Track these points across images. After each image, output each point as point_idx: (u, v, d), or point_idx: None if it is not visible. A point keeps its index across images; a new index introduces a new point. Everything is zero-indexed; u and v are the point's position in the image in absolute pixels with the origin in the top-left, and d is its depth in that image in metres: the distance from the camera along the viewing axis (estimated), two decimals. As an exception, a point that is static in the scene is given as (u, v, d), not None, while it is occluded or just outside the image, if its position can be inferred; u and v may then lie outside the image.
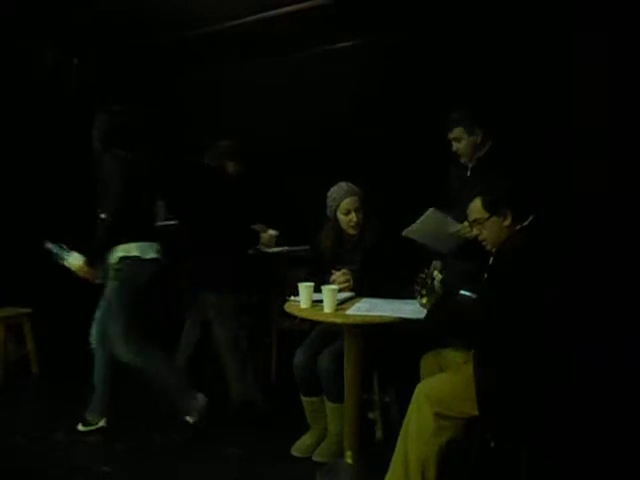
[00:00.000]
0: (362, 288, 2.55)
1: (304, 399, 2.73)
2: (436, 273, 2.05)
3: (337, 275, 2.60)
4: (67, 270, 2.83)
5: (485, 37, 3.62)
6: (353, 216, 2.66)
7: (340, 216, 2.70)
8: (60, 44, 4.76)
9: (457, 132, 2.75)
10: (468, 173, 2.82)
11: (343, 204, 2.67)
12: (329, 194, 2.75)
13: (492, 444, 1.93)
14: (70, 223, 4.54)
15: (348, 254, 2.73)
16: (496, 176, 2.27)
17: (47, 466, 2.61)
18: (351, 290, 2.55)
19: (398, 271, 2.45)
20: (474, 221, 2.09)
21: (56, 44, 4.74)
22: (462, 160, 2.81)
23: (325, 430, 2.70)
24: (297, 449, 2.70)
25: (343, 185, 2.73)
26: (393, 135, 4.07)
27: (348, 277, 2.58)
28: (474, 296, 1.97)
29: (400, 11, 3.85)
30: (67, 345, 4.20)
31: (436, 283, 2.04)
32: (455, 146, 2.78)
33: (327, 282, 2.52)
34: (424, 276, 2.07)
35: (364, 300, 2.43)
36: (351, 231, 2.71)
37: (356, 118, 4.19)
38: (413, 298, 2.19)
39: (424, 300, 2.06)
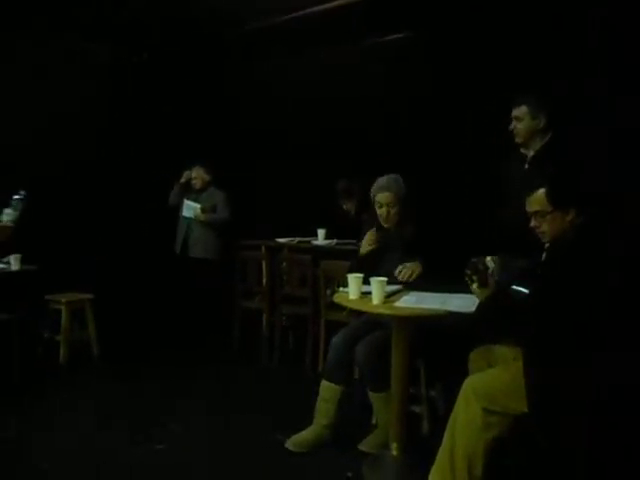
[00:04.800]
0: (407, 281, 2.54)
1: (323, 382, 2.69)
2: (488, 259, 2.03)
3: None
4: (127, 258, 2.95)
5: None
6: (384, 210, 2.71)
7: (376, 208, 2.76)
8: (117, 42, 4.94)
9: (521, 110, 2.68)
10: (526, 166, 2.75)
11: (377, 198, 2.74)
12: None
13: (544, 444, 1.89)
14: (129, 214, 4.77)
15: (388, 245, 2.74)
16: (559, 169, 2.19)
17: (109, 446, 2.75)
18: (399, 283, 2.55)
19: (442, 265, 2.43)
20: (535, 213, 2.00)
21: (113, 42, 4.93)
22: (518, 141, 2.72)
23: (326, 428, 2.66)
24: (293, 443, 2.64)
25: (384, 179, 2.76)
26: (447, 129, 4.02)
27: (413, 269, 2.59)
28: (526, 291, 1.93)
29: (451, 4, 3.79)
30: (126, 329, 4.44)
31: (489, 271, 2.02)
32: (514, 124, 2.71)
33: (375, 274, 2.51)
34: (476, 261, 2.05)
35: (412, 293, 2.42)
36: (384, 224, 2.75)
37: (411, 112, 4.17)
38: (461, 292, 2.17)
39: (474, 285, 2.04)
